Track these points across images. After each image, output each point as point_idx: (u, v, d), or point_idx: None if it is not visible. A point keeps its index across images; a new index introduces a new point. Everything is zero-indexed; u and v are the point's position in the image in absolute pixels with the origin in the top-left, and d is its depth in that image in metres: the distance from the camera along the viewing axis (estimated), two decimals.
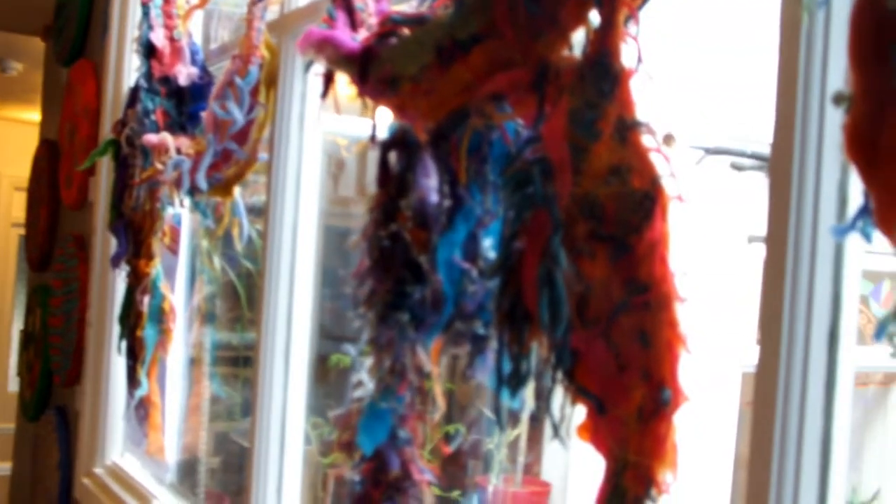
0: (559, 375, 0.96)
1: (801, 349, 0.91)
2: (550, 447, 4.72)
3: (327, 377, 3.32)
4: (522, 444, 4.65)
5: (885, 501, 5.26)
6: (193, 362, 2.73)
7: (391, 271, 1.14)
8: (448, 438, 4.64)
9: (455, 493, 4.61)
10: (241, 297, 4.10)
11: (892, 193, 0.67)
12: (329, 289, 4.40)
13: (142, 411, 2.22)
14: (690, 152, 4.51)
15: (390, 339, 1.12)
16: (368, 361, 1.21)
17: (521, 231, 0.97)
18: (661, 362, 0.92)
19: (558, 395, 1.00)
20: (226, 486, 4.15)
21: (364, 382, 1.22)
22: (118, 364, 2.47)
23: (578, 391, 0.96)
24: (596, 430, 0.97)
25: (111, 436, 2.62)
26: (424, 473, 1.17)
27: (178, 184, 1.82)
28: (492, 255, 1.08)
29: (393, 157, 1.20)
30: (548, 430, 4.41)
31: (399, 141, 1.19)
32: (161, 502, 2.30)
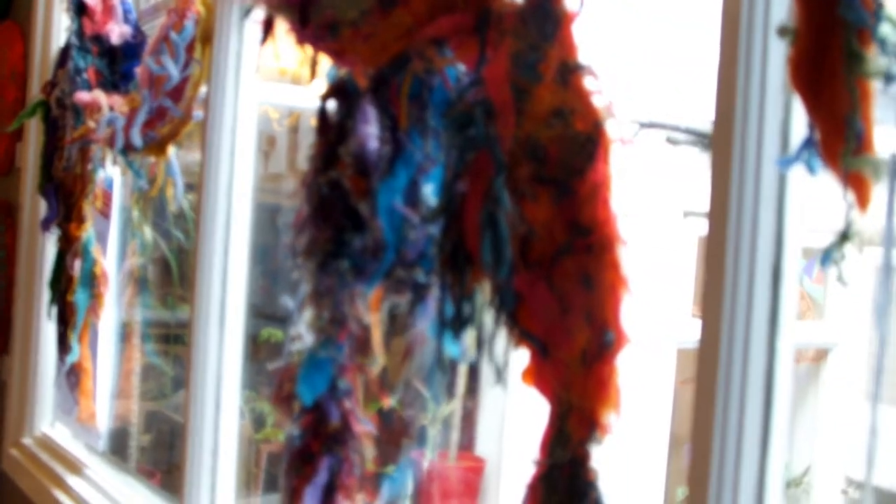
0: (502, 318, 0.96)
1: (742, 324, 0.92)
2: (485, 423, 4.74)
3: (259, 354, 3.30)
4: (456, 419, 4.67)
5: (815, 478, 5.37)
6: (126, 327, 2.69)
7: (330, 219, 1.13)
8: (382, 414, 4.63)
9: (389, 469, 4.61)
10: (173, 273, 4.05)
11: (835, 122, 0.68)
12: (261, 266, 4.36)
13: (73, 378, 2.18)
14: (626, 126, 4.55)
15: (330, 286, 1.11)
16: (307, 314, 1.20)
17: (463, 173, 0.96)
18: (603, 305, 0.93)
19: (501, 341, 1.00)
20: (157, 464, 4.10)
21: (302, 336, 1.21)
22: (48, 331, 2.42)
23: (521, 334, 0.96)
24: (539, 374, 0.97)
25: (40, 405, 2.57)
26: (365, 425, 1.17)
27: (111, 142, 1.78)
28: (433, 201, 1.07)
29: (332, 105, 1.19)
30: (485, 400, 4.42)
31: (338, 89, 1.18)
32: (93, 471, 2.26)
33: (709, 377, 0.93)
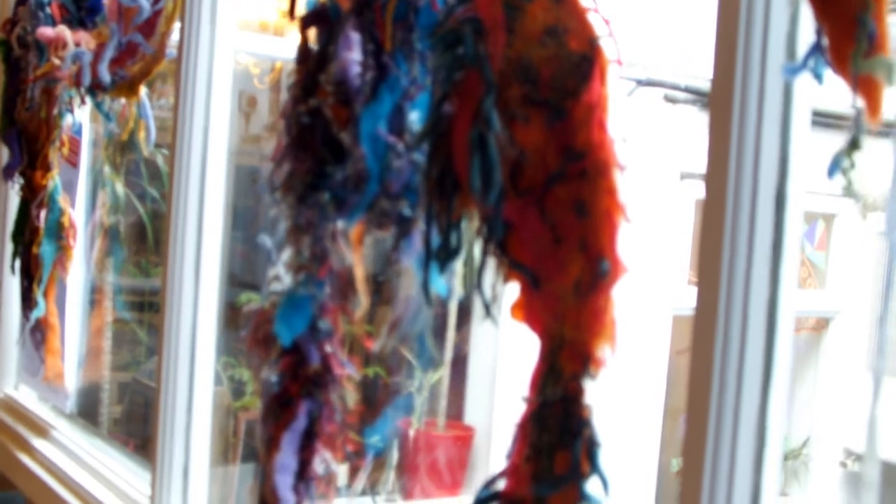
0: (491, 248, 0.95)
1: (740, 290, 0.91)
2: (474, 392, 4.76)
3: (237, 321, 3.28)
4: (444, 387, 4.68)
5: (814, 450, 5.41)
6: (95, 284, 2.67)
7: (310, 150, 1.12)
8: (367, 382, 4.64)
9: (375, 439, 4.63)
10: (148, 238, 4.04)
11: (846, 21, 0.67)
12: (240, 231, 4.35)
13: (38, 335, 2.16)
14: (622, 83, 4.53)
15: (310, 220, 1.10)
16: (286, 254, 1.19)
17: (451, 93, 0.95)
18: (598, 233, 0.92)
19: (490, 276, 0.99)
20: (130, 435, 4.10)
21: (281, 276, 1.19)
22: (11, 287, 2.40)
23: (511, 265, 0.95)
24: (530, 308, 0.97)
25: (4, 365, 2.55)
26: (346, 367, 1.16)
27: (78, 79, 1.76)
28: (419, 128, 1.06)
29: (312, 33, 1.17)
30: (474, 369, 4.42)
31: (319, 14, 1.16)
32: (61, 433, 2.25)
33: (706, 345, 0.93)
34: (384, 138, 1.05)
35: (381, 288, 1.14)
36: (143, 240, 4.11)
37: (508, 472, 0.98)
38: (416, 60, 1.06)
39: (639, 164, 4.09)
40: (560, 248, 0.93)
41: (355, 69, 1.08)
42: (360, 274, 1.14)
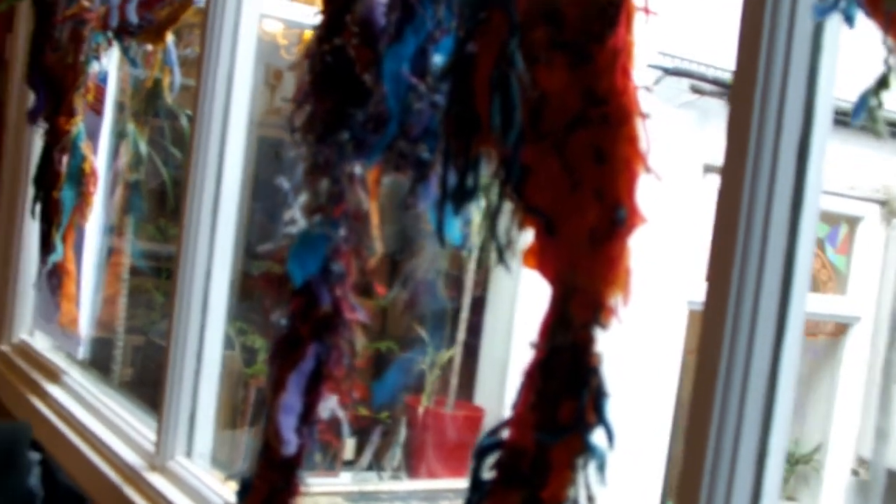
0: (507, 191, 0.94)
1: (752, 286, 0.90)
2: (485, 373, 4.75)
3: (253, 291, 3.28)
4: (456, 366, 4.67)
5: (827, 456, 5.38)
6: (113, 230, 2.68)
7: (332, 91, 1.11)
8: (380, 356, 4.64)
9: (384, 415, 4.63)
10: (168, 202, 4.04)
11: None
12: (261, 202, 4.35)
13: (55, 279, 2.17)
14: (648, 72, 4.50)
15: (328, 159, 1.10)
16: (302, 197, 1.18)
17: (475, 32, 0.94)
18: (616, 180, 0.91)
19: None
20: (140, 397, 4.11)
21: (297, 219, 1.19)
22: (31, 232, 2.41)
23: (527, 209, 0.94)
24: (543, 254, 0.95)
25: (20, 311, 2.56)
26: (357, 311, 1.15)
27: (105, 21, 1.76)
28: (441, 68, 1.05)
29: None
30: (486, 350, 4.40)
31: None
32: (72, 377, 2.26)
33: (713, 343, 0.92)
34: (406, 79, 1.04)
35: (397, 267, 1.14)
36: (164, 204, 4.11)
37: (512, 422, 0.97)
38: (442, 4, 1.05)
39: (661, 155, 4.06)
40: (577, 194, 0.92)
41: (381, 9, 1.07)
42: (374, 217, 1.13)
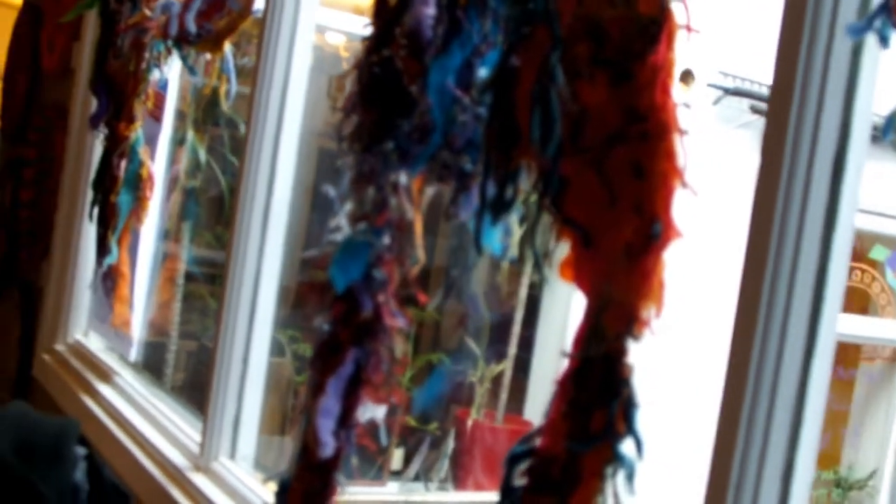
0: (546, 203, 0.96)
1: (780, 311, 0.91)
2: (535, 387, 4.74)
3: (306, 300, 3.31)
4: (506, 380, 4.68)
5: (882, 481, 5.30)
6: (168, 235, 2.73)
7: (379, 101, 1.13)
8: (431, 368, 4.66)
9: (432, 427, 4.64)
10: (225, 211, 4.10)
11: None
12: (318, 213, 4.38)
13: (109, 282, 2.22)
14: (708, 91, 4.48)
15: (373, 168, 1.12)
16: (348, 206, 1.21)
17: (518, 46, 0.96)
18: (654, 195, 0.92)
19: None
20: (190, 401, 4.16)
21: (342, 227, 1.21)
22: (89, 236, 2.46)
23: (565, 221, 0.96)
24: (579, 266, 0.97)
25: (75, 312, 2.62)
26: (397, 318, 1.17)
27: (165, 30, 1.80)
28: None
29: None
30: (537, 364, 4.39)
31: None
32: (123, 378, 2.31)
33: (742, 362, 0.93)
34: (451, 91, 1.06)
35: (449, 281, 1.15)
36: (222, 211, 4.17)
37: (545, 430, 0.98)
38: (489, 18, 1.07)
39: (716, 174, 4.05)
40: (614, 208, 0.93)
41: (428, 22, 1.09)
42: (418, 226, 1.15)
